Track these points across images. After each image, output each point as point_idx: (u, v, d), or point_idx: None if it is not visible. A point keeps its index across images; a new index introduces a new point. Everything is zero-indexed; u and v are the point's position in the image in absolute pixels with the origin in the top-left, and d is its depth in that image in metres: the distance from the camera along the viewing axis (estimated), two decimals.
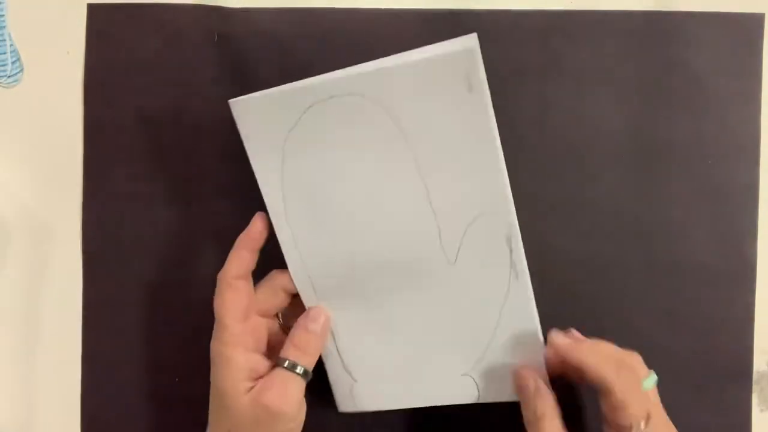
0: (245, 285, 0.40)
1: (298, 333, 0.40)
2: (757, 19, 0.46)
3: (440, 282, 0.40)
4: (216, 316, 0.39)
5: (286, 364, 0.39)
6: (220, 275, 0.40)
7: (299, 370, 0.39)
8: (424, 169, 0.37)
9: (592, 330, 0.47)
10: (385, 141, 0.37)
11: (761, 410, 0.47)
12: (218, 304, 0.39)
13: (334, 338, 0.42)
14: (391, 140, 0.37)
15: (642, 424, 0.37)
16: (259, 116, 0.38)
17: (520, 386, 0.39)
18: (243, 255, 0.40)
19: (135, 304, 0.46)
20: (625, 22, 0.46)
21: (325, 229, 0.40)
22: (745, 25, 0.46)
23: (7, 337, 0.47)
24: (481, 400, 0.42)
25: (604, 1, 0.46)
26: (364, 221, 0.39)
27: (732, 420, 0.46)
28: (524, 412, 0.39)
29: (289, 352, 0.39)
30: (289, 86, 0.37)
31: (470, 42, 0.34)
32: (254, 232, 0.40)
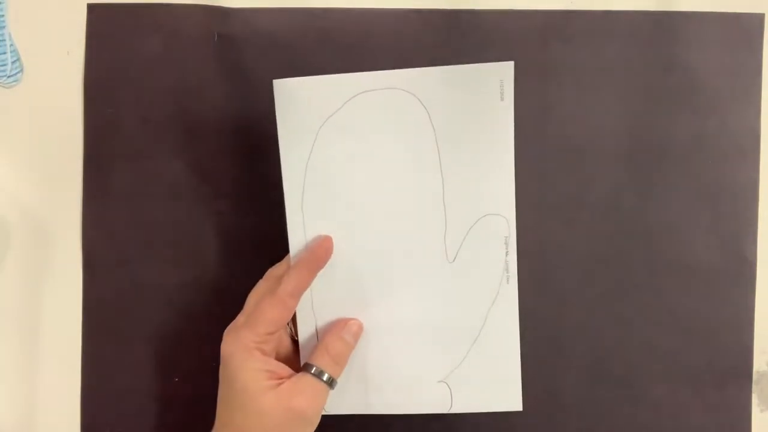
0: (294, 304, 0.40)
1: (333, 342, 0.40)
2: (757, 19, 0.46)
3: (436, 280, 0.41)
4: (249, 316, 0.39)
5: (316, 372, 0.39)
6: (275, 287, 0.39)
7: (327, 378, 0.39)
8: (445, 165, 0.40)
9: (592, 330, 0.47)
10: (418, 134, 0.40)
11: (761, 410, 0.47)
12: (260, 312, 0.39)
13: (317, 335, 0.42)
14: (423, 134, 0.40)
15: None
16: (301, 99, 0.40)
17: None
18: (303, 275, 0.40)
19: (135, 304, 0.46)
20: (626, 22, 0.46)
21: (337, 218, 0.41)
22: (745, 25, 0.46)
23: (7, 337, 0.47)
24: (454, 410, 0.42)
25: (604, 1, 0.46)
26: (377, 212, 0.40)
27: (732, 420, 0.46)
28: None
29: (323, 361, 0.40)
30: (337, 75, 0.39)
31: (507, 62, 0.39)
32: (322, 255, 0.40)
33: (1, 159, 0.46)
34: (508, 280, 0.41)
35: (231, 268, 0.46)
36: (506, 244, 0.41)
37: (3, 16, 0.46)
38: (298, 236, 0.41)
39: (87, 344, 0.47)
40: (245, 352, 0.38)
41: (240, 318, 0.40)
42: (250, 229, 0.46)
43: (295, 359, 0.42)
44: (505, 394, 0.42)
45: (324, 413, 0.41)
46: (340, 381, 0.40)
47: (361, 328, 0.41)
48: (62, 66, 0.46)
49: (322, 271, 0.41)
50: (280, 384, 0.38)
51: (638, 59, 0.46)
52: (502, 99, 0.39)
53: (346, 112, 0.40)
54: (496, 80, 0.39)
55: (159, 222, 0.46)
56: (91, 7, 0.46)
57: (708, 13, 0.46)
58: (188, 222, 0.46)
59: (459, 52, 0.46)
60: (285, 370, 0.39)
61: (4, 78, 0.45)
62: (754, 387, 0.47)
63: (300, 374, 0.39)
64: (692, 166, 0.46)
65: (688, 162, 0.46)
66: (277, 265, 0.41)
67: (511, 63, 0.39)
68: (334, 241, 0.41)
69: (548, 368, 0.46)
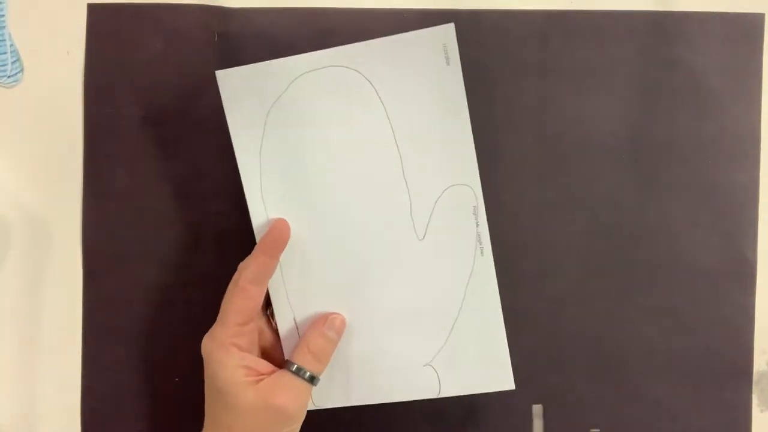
0: (258, 291, 0.39)
1: (315, 339, 0.40)
2: (757, 19, 0.46)
3: (409, 260, 0.40)
4: (219, 314, 0.39)
5: (297, 370, 0.39)
6: (236, 277, 0.39)
7: (308, 375, 0.39)
8: (400, 139, 0.39)
9: (592, 330, 0.47)
10: (367, 110, 0.39)
11: (761, 410, 0.47)
12: (226, 304, 0.39)
13: (298, 329, 0.42)
14: (373, 109, 0.39)
15: None
16: (245, 88, 0.40)
17: None
18: (262, 261, 0.39)
19: (135, 304, 0.46)
20: (625, 22, 0.46)
21: (299, 203, 0.40)
22: (745, 25, 0.46)
23: (7, 337, 0.47)
24: (443, 394, 0.42)
25: (604, 1, 0.46)
26: (338, 194, 0.40)
27: (732, 420, 0.46)
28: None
29: (304, 359, 0.39)
30: (279, 59, 0.39)
31: (448, 24, 0.39)
32: (275, 237, 0.40)
33: (1, 159, 0.46)
34: (482, 252, 0.40)
35: (231, 268, 0.46)
36: (475, 214, 0.40)
37: (3, 16, 0.46)
38: (261, 225, 0.40)
39: (87, 344, 0.47)
40: (221, 350, 0.38)
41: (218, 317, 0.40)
42: (250, 229, 0.46)
43: (279, 354, 0.42)
44: (495, 373, 0.41)
45: (313, 408, 0.41)
46: (324, 375, 0.40)
47: (343, 322, 0.41)
48: (62, 66, 0.46)
49: (290, 260, 0.40)
50: (259, 381, 0.38)
51: (638, 59, 0.46)
52: (448, 63, 0.38)
53: (291, 95, 0.39)
54: (439, 45, 0.38)
55: (159, 222, 0.46)
56: (91, 7, 0.46)
57: (708, 13, 0.46)
58: (188, 222, 0.46)
59: (459, 52, 0.46)
60: (265, 366, 0.39)
61: (4, 78, 0.45)
62: (754, 387, 0.47)
63: (281, 371, 0.39)
64: (692, 166, 0.46)
65: (688, 162, 0.46)
66: (246, 258, 0.41)
67: (452, 25, 0.38)
68: (299, 226, 0.40)
69: (548, 368, 0.46)
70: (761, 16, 0.47)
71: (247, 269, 0.39)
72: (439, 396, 0.42)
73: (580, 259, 0.46)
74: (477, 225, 0.40)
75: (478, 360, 0.41)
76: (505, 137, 0.46)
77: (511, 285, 0.46)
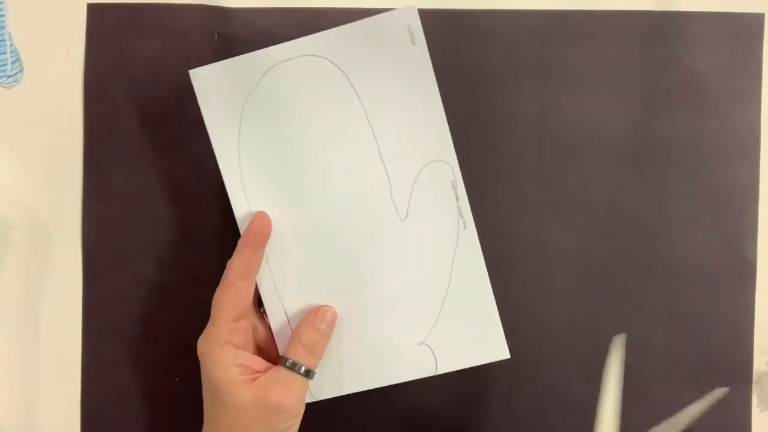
0: (246, 286, 0.39)
1: (306, 332, 0.40)
2: (757, 19, 0.46)
3: (394, 241, 0.41)
4: (211, 314, 0.39)
5: (291, 365, 0.39)
6: (224, 274, 0.39)
7: (303, 370, 0.39)
8: (374, 122, 0.40)
9: (592, 329, 0.47)
10: (339, 97, 0.40)
11: (761, 410, 0.47)
12: (216, 304, 0.39)
13: (290, 323, 0.42)
14: (345, 95, 0.40)
15: None
16: (219, 84, 0.40)
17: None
18: (246, 255, 0.39)
19: (135, 304, 0.46)
20: (625, 22, 0.46)
21: (281, 195, 0.40)
22: (745, 25, 0.46)
23: (7, 337, 0.47)
24: (440, 371, 0.42)
25: (604, 1, 0.46)
26: (319, 183, 0.40)
27: (732, 420, 0.46)
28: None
29: (298, 353, 0.39)
30: (249, 53, 0.40)
31: (410, 5, 0.39)
32: (256, 230, 0.40)
33: (1, 159, 0.46)
34: (465, 226, 0.41)
35: None
36: (454, 189, 0.40)
37: (3, 16, 0.46)
38: (245, 219, 0.41)
39: (87, 344, 0.47)
40: (215, 349, 0.38)
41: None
42: None
43: (276, 349, 0.42)
44: (490, 344, 0.41)
45: (311, 400, 0.41)
46: (320, 366, 0.40)
47: (335, 314, 0.41)
48: (62, 66, 0.46)
49: (276, 252, 0.41)
50: (255, 378, 0.38)
51: (638, 59, 0.46)
52: (413, 44, 0.39)
53: (264, 88, 0.40)
54: (403, 26, 0.39)
55: (159, 222, 0.46)
56: (91, 7, 0.46)
57: (708, 13, 0.46)
58: (188, 222, 0.46)
59: (459, 52, 0.46)
60: (260, 363, 0.39)
61: (4, 78, 0.45)
62: (754, 387, 0.47)
63: (276, 368, 0.39)
64: (692, 166, 0.46)
65: (688, 162, 0.46)
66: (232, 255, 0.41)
67: (414, 6, 0.39)
68: (282, 217, 0.40)
69: (548, 367, 0.46)
70: (761, 16, 0.47)
71: (232, 265, 0.39)
72: (437, 373, 0.42)
73: (579, 259, 0.46)
74: (457, 199, 0.40)
75: (472, 333, 0.41)
76: (505, 137, 0.46)
77: (511, 284, 0.46)
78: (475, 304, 0.41)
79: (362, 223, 0.41)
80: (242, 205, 0.41)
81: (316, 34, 0.39)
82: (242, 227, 0.41)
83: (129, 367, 0.46)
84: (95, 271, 0.46)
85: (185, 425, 0.46)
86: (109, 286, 0.46)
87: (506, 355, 0.42)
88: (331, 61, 0.40)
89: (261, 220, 0.40)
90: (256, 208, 0.41)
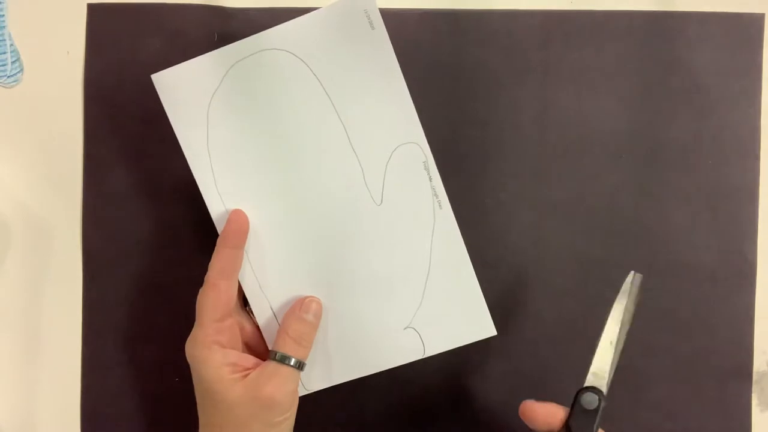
0: (228, 285, 0.39)
1: (293, 324, 0.40)
2: (757, 19, 0.46)
3: (371, 227, 0.41)
4: (196, 317, 0.39)
5: (280, 357, 0.39)
6: (206, 275, 0.39)
7: (294, 362, 0.39)
8: (340, 110, 0.40)
9: (593, 329, 0.47)
10: (304, 88, 0.40)
11: (761, 410, 0.47)
12: (198, 304, 0.39)
13: (276, 318, 0.42)
14: (309, 86, 0.40)
15: None
16: (183, 86, 0.40)
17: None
18: (225, 254, 0.39)
19: (135, 304, 0.46)
20: (626, 22, 0.46)
21: (255, 191, 0.41)
22: (745, 25, 0.46)
23: (7, 337, 0.47)
24: (428, 353, 0.42)
25: (604, 2, 0.46)
26: (291, 176, 0.40)
27: (732, 420, 0.46)
28: None
29: (286, 345, 0.39)
30: (209, 53, 0.40)
31: None
32: (234, 228, 0.40)
33: (1, 159, 0.46)
34: (440, 205, 0.41)
35: None
36: (426, 169, 0.40)
37: (3, 16, 0.46)
38: (221, 219, 0.41)
39: (87, 344, 0.47)
40: (204, 350, 0.38)
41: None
42: None
43: (264, 346, 0.42)
44: (475, 322, 0.42)
45: (304, 392, 0.42)
46: (309, 358, 0.40)
47: (319, 304, 0.41)
48: (62, 66, 0.46)
49: (256, 249, 0.41)
50: (246, 375, 0.38)
51: (638, 59, 0.46)
52: (372, 28, 0.39)
53: (227, 86, 0.40)
54: (360, 12, 0.39)
55: (159, 222, 0.46)
56: (91, 7, 0.46)
57: (708, 13, 0.46)
58: (188, 222, 0.46)
59: (459, 52, 0.46)
60: (249, 360, 0.39)
61: (4, 78, 0.45)
62: (754, 387, 0.47)
63: (266, 363, 0.39)
64: (692, 166, 0.46)
65: (688, 162, 0.46)
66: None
67: None
68: (259, 213, 0.40)
69: (547, 367, 0.46)
70: (761, 16, 0.47)
71: (212, 266, 0.39)
72: (425, 356, 0.42)
73: (579, 259, 0.46)
74: (430, 180, 0.41)
75: (457, 312, 0.41)
76: (505, 136, 0.46)
77: (511, 284, 0.46)
78: (457, 283, 0.41)
79: (339, 211, 0.41)
80: (217, 204, 0.41)
81: (274, 28, 0.39)
82: (219, 227, 0.41)
83: (129, 367, 0.46)
84: (95, 271, 0.46)
85: (185, 425, 0.46)
86: (109, 286, 0.46)
87: (493, 332, 0.42)
88: (293, 53, 0.39)
89: (238, 218, 0.40)
90: (231, 207, 0.41)
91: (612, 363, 0.38)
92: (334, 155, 0.40)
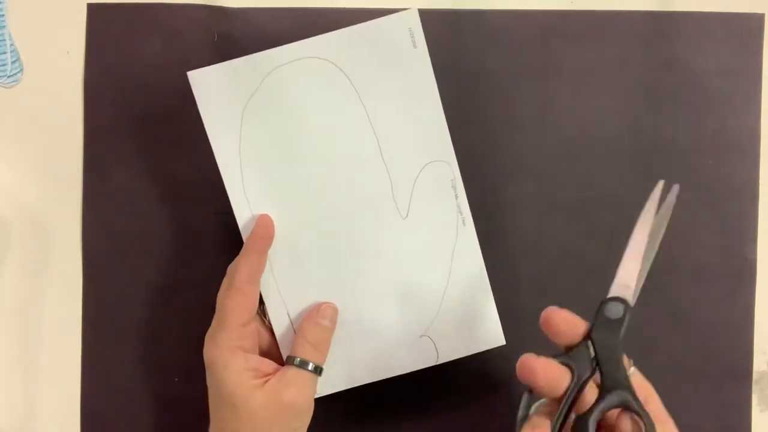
0: (253, 290, 0.39)
1: (310, 329, 0.40)
2: (757, 19, 0.46)
3: (395, 239, 0.41)
4: (218, 318, 0.39)
5: (300, 363, 0.39)
6: (232, 280, 0.39)
7: (312, 367, 0.39)
8: (375, 123, 0.40)
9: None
10: (340, 98, 0.40)
11: (761, 410, 0.47)
12: (225, 307, 0.39)
13: (292, 324, 0.42)
14: (346, 97, 0.40)
15: None
16: (219, 86, 0.40)
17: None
18: (253, 259, 0.39)
19: (135, 304, 0.46)
20: (625, 22, 0.46)
21: (283, 196, 0.41)
22: (745, 25, 0.46)
23: (7, 337, 0.47)
24: (441, 360, 0.42)
25: (604, 2, 0.46)
26: (320, 184, 0.41)
27: (732, 420, 0.46)
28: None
29: (305, 351, 0.39)
30: (249, 56, 0.40)
31: (411, 9, 0.40)
32: (262, 234, 0.40)
33: (1, 159, 0.46)
34: (464, 222, 0.41)
35: None
36: (454, 187, 0.41)
37: (3, 16, 0.45)
38: (247, 223, 0.41)
39: (87, 344, 0.47)
40: (227, 354, 0.38)
41: (213, 322, 0.39)
42: None
43: (277, 351, 0.42)
44: (487, 333, 0.42)
45: (316, 396, 0.41)
46: (325, 363, 0.40)
47: (335, 310, 0.41)
48: (62, 66, 0.46)
49: (279, 254, 0.41)
50: (266, 381, 0.38)
51: (638, 59, 0.46)
52: (414, 47, 0.39)
53: (265, 90, 0.40)
54: (404, 30, 0.39)
55: (159, 222, 0.46)
56: (91, 7, 0.46)
57: (708, 13, 0.46)
58: (188, 222, 0.46)
59: (459, 52, 0.46)
60: (269, 365, 0.39)
61: (4, 78, 0.45)
62: (754, 387, 0.47)
63: (285, 368, 0.39)
64: (692, 166, 0.46)
65: (688, 162, 0.46)
66: (235, 260, 0.40)
67: (415, 9, 0.39)
68: (284, 219, 0.40)
69: None
70: (761, 16, 0.47)
71: (239, 270, 0.39)
72: (438, 363, 0.42)
73: (579, 259, 0.46)
74: (456, 197, 0.41)
75: (471, 323, 0.42)
76: (505, 136, 0.46)
77: (511, 283, 0.46)
78: (473, 295, 0.42)
79: (364, 222, 0.41)
80: (244, 208, 0.41)
81: (317, 37, 0.39)
82: (244, 230, 0.41)
83: (129, 367, 0.46)
84: (95, 271, 0.46)
85: (185, 425, 0.46)
86: (109, 286, 0.46)
87: (502, 342, 0.42)
88: (334, 64, 0.40)
89: (265, 223, 0.40)
90: (258, 211, 0.41)
91: (640, 273, 0.36)
92: (364, 167, 0.41)
